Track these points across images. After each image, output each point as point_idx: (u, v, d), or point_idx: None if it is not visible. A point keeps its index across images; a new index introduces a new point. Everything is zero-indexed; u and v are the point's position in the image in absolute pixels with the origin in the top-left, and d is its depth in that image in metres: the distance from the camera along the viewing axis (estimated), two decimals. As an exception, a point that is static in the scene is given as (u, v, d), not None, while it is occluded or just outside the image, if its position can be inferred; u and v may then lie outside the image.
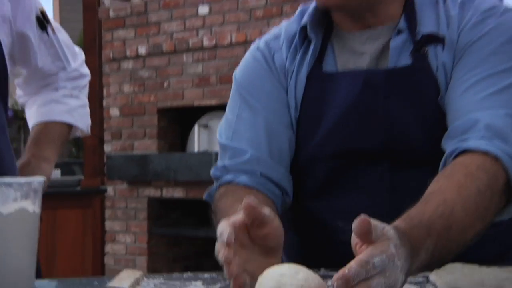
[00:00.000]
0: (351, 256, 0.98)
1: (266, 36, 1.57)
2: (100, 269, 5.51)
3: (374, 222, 0.97)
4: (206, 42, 4.94)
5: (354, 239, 0.99)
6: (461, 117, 1.34)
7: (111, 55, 5.41)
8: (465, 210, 1.18)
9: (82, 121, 1.99)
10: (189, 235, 5.16)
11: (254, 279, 1.04)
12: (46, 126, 1.92)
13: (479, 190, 1.22)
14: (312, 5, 1.50)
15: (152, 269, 5.15)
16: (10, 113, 1.80)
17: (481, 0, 1.43)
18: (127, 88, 5.34)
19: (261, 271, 1.03)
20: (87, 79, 2.04)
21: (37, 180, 1.14)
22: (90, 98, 2.06)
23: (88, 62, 2.10)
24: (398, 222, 1.07)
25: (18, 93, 2.00)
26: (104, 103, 5.49)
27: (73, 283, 1.35)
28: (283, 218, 1.23)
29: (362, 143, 1.42)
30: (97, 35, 5.70)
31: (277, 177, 1.45)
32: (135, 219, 5.28)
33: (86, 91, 2.03)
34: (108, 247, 5.43)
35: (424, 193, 1.21)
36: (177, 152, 5.20)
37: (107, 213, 5.45)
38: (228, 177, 1.45)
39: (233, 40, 4.81)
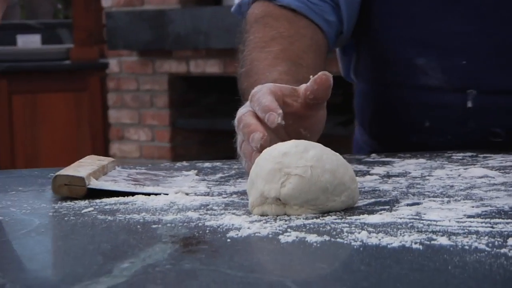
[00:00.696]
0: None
1: None
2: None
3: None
4: None
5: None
6: None
7: None
8: None
9: None
10: (228, 129, 4.39)
11: None
12: None
13: None
14: None
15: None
16: None
17: None
18: None
19: None
20: None
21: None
22: None
23: None
24: None
25: None
26: None
27: (21, 174, 1.33)
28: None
29: None
30: None
31: None
32: (152, 106, 5.02)
33: None
34: (114, 148, 5.15)
35: None
36: (208, 6, 4.81)
37: (111, 98, 5.16)
38: None
39: None
